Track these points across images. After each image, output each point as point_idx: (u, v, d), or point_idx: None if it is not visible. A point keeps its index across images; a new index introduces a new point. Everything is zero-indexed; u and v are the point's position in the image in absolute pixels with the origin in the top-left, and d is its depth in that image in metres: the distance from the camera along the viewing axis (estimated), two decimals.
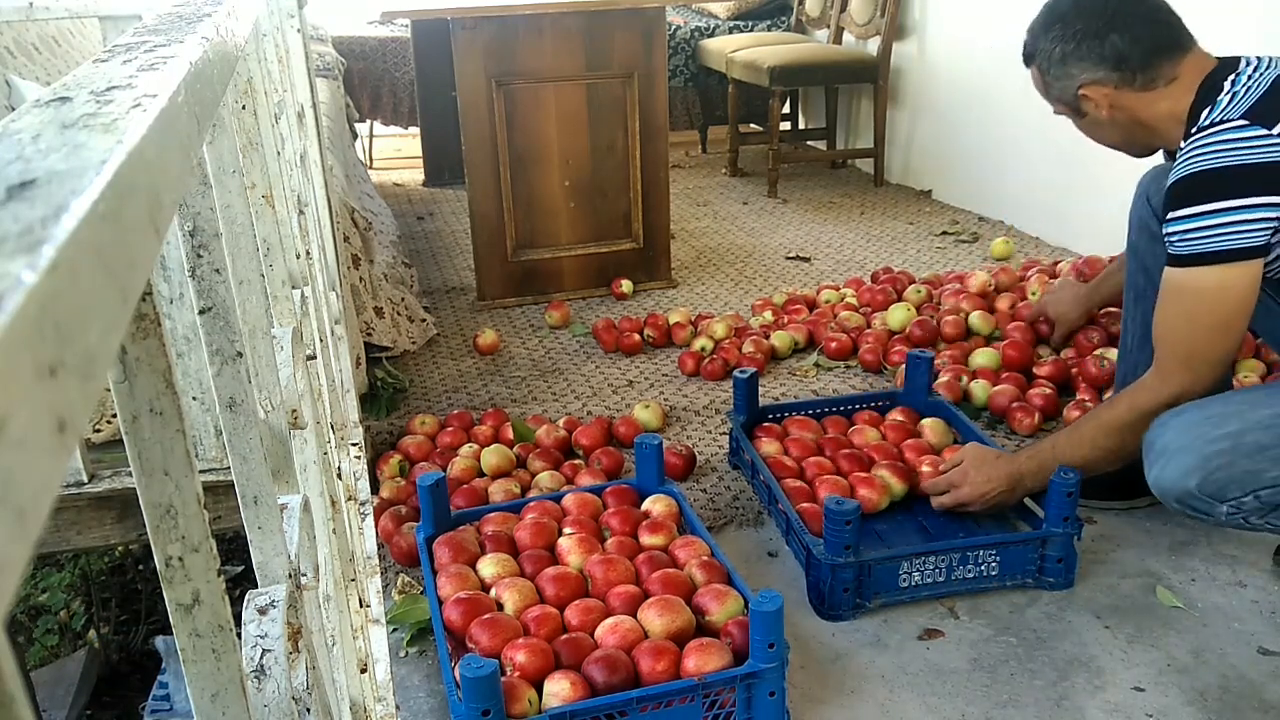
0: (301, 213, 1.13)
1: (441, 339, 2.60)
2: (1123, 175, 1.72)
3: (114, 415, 1.03)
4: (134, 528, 1.42)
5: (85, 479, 1.36)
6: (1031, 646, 1.44)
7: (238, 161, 0.63)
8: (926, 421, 1.88)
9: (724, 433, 2.05)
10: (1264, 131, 1.31)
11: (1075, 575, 1.55)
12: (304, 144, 1.40)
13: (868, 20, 3.79)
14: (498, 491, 1.77)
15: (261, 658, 0.52)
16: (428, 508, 1.57)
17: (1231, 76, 1.39)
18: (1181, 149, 1.40)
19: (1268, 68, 1.38)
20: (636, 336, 2.46)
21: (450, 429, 2.02)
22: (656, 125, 2.73)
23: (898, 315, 2.43)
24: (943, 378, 2.10)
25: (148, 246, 0.27)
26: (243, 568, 2.11)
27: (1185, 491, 1.33)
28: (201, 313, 0.54)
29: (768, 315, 2.56)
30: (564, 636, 1.34)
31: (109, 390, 0.38)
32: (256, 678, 0.51)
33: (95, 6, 0.85)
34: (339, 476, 1.15)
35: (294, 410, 0.73)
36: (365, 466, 1.79)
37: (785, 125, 4.27)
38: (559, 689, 1.24)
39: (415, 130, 4.24)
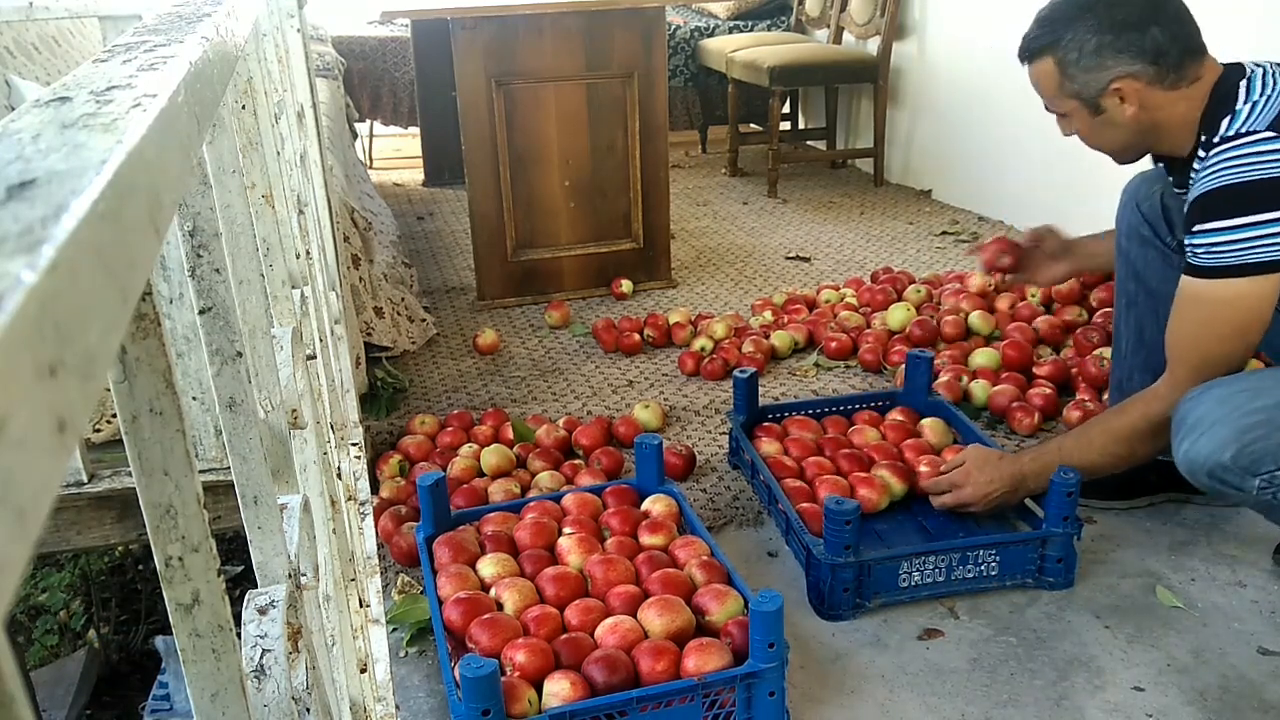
0: (301, 213, 1.13)
1: (441, 339, 2.60)
2: (1122, 175, 1.72)
3: (114, 415, 1.04)
4: (134, 528, 1.42)
5: (85, 479, 1.36)
6: (1031, 646, 1.44)
7: (238, 161, 0.63)
8: (926, 421, 1.88)
9: (724, 433, 2.05)
10: None
11: (1075, 575, 1.55)
12: (304, 144, 1.40)
13: (868, 20, 3.79)
14: (498, 491, 1.77)
15: (261, 658, 0.52)
16: (428, 508, 1.57)
17: (1242, 84, 1.38)
18: (1205, 160, 1.38)
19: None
20: (636, 336, 2.46)
21: (450, 429, 2.02)
22: (656, 125, 2.74)
23: (898, 315, 2.43)
24: (943, 378, 2.10)
25: (148, 246, 0.27)
26: (243, 568, 2.11)
27: (1218, 464, 1.31)
28: (201, 313, 0.54)
29: (768, 315, 2.56)
30: (564, 636, 1.34)
31: (109, 390, 0.38)
32: (256, 678, 0.51)
33: (95, 6, 0.85)
34: (339, 476, 1.15)
35: (294, 410, 0.73)
36: (365, 466, 1.79)
37: (785, 125, 4.27)
38: (559, 689, 1.24)
39: (415, 130, 4.24)
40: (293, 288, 0.87)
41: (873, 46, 3.81)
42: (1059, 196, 3.01)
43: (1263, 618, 1.48)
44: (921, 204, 3.68)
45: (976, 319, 2.36)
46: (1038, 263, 1.87)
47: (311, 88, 1.69)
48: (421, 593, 1.56)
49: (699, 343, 2.38)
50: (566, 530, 1.57)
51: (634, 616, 1.37)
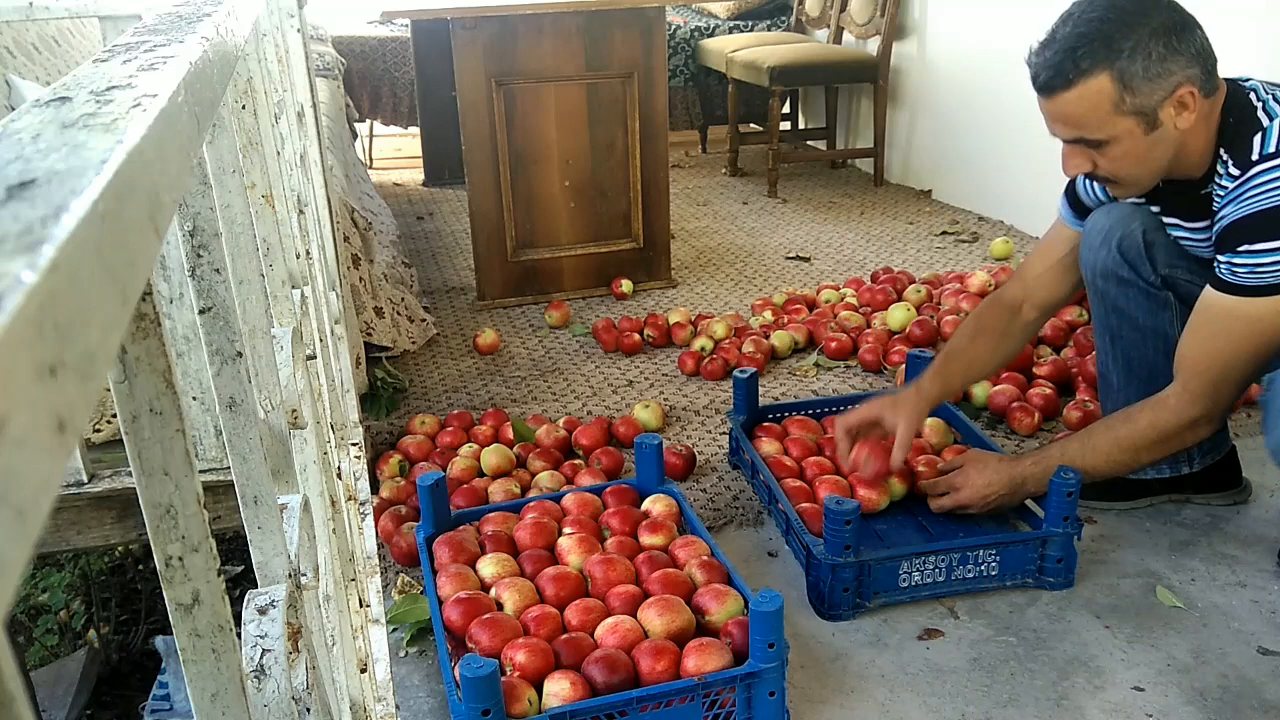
0: (301, 213, 1.13)
1: (441, 339, 2.60)
2: None
3: (114, 415, 1.04)
4: (134, 528, 1.42)
5: (85, 479, 1.36)
6: (1031, 646, 1.44)
7: (238, 161, 0.63)
8: (927, 421, 1.88)
9: (724, 433, 2.05)
10: None
11: (1075, 575, 1.55)
12: (304, 144, 1.40)
13: (868, 20, 3.79)
14: (498, 491, 1.77)
15: (261, 658, 0.52)
16: (428, 508, 1.57)
17: (1253, 98, 1.36)
18: (1242, 179, 1.34)
19: None
20: (636, 336, 2.46)
21: (450, 429, 2.02)
22: (656, 125, 2.74)
23: (898, 315, 2.43)
24: None
25: (148, 246, 0.27)
26: (243, 568, 2.11)
27: None
28: (201, 313, 0.54)
29: (768, 315, 2.56)
30: (564, 636, 1.34)
31: (109, 390, 0.38)
32: (256, 678, 0.51)
33: (95, 6, 0.85)
34: (339, 476, 1.15)
35: (294, 410, 0.73)
36: (365, 466, 1.79)
37: (785, 125, 4.27)
38: (559, 689, 1.24)
39: (415, 130, 4.24)
40: (293, 288, 0.87)
41: (873, 46, 3.81)
42: (1058, 196, 3.01)
43: (1263, 618, 1.48)
44: (921, 204, 3.68)
45: None
46: (906, 432, 1.61)
47: (311, 88, 1.69)
48: (421, 593, 1.56)
49: (699, 343, 2.38)
50: (566, 530, 1.57)
51: (634, 616, 1.37)
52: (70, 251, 0.21)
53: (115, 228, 0.24)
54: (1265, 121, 1.35)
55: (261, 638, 0.53)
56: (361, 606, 1.17)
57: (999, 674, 1.39)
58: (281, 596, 0.55)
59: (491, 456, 1.88)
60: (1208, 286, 1.41)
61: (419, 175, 4.28)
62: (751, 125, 4.50)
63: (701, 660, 1.27)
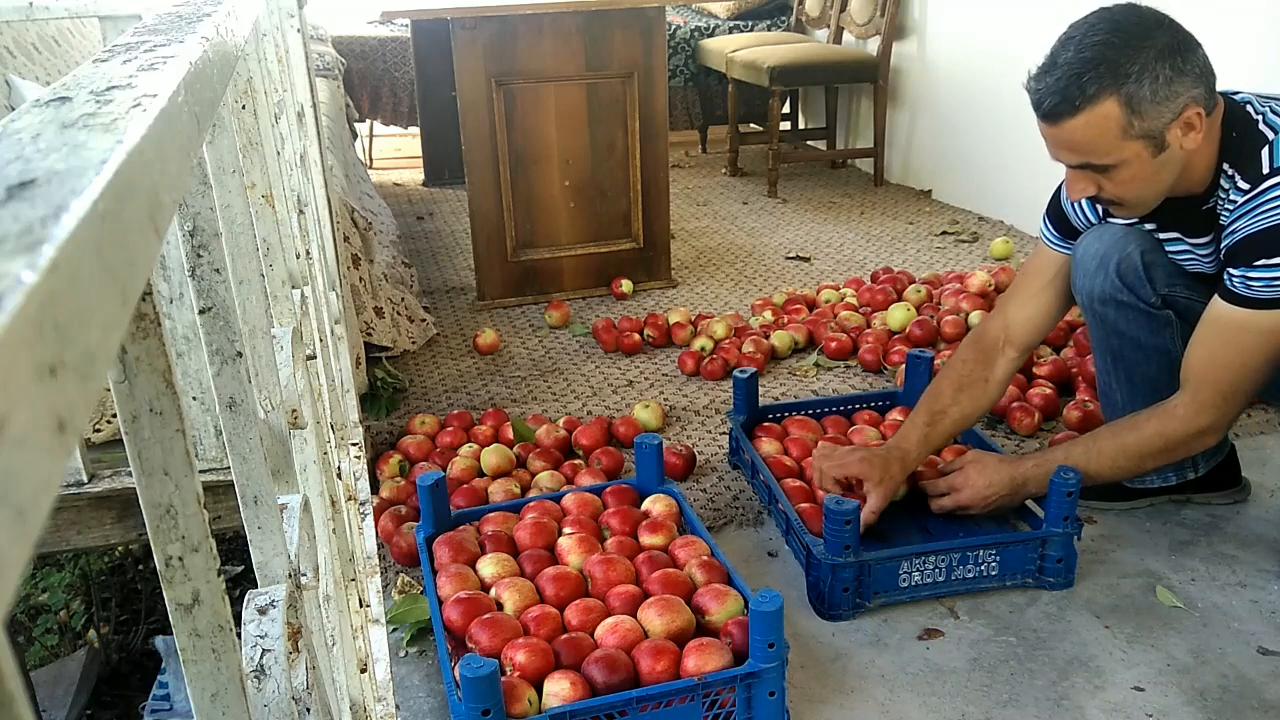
0: (301, 213, 1.13)
1: (441, 339, 2.60)
2: None
3: (114, 415, 1.04)
4: (134, 528, 1.42)
5: (85, 479, 1.36)
6: (1031, 646, 1.44)
7: (238, 161, 0.63)
8: None
9: (724, 433, 2.05)
10: None
11: (1075, 575, 1.55)
12: (304, 144, 1.40)
13: (868, 20, 3.79)
14: (498, 491, 1.77)
15: (261, 658, 0.52)
16: (428, 508, 1.57)
17: (1250, 113, 1.36)
18: (1252, 194, 1.34)
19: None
20: (636, 336, 2.46)
21: (450, 429, 2.02)
22: (656, 125, 2.74)
23: (898, 315, 2.43)
24: None
25: (148, 246, 0.27)
26: (243, 568, 2.11)
27: None
28: (201, 313, 0.54)
29: (768, 315, 2.56)
30: (564, 636, 1.34)
31: (109, 390, 0.38)
32: (256, 678, 0.51)
33: (95, 6, 0.85)
34: (339, 476, 1.15)
35: (294, 410, 0.73)
36: (365, 466, 1.79)
37: (785, 125, 4.27)
38: (559, 689, 1.24)
39: (415, 130, 4.24)
40: (293, 288, 0.87)
41: (873, 46, 3.82)
42: None
43: (1263, 618, 1.48)
44: (921, 204, 3.68)
45: (976, 319, 2.36)
46: (878, 503, 1.59)
47: (311, 88, 1.69)
48: (421, 593, 1.56)
49: (699, 343, 2.38)
50: (566, 530, 1.57)
51: (634, 616, 1.37)
52: (70, 251, 0.21)
53: (115, 228, 0.24)
54: (1270, 135, 1.35)
55: (261, 638, 0.53)
56: (361, 606, 1.17)
57: (999, 674, 1.39)
58: (281, 596, 0.55)
59: (491, 456, 1.88)
60: (1216, 298, 1.41)
61: (419, 175, 4.29)
62: (751, 125, 4.50)
63: (701, 660, 1.27)
